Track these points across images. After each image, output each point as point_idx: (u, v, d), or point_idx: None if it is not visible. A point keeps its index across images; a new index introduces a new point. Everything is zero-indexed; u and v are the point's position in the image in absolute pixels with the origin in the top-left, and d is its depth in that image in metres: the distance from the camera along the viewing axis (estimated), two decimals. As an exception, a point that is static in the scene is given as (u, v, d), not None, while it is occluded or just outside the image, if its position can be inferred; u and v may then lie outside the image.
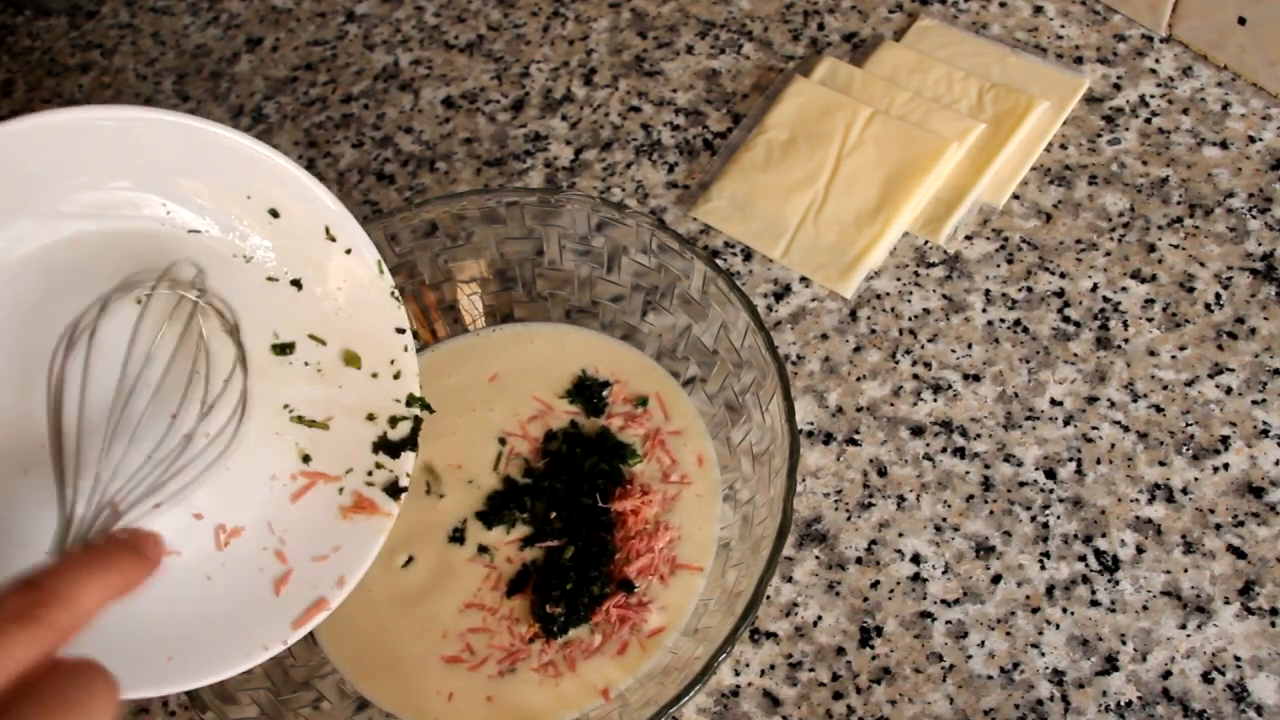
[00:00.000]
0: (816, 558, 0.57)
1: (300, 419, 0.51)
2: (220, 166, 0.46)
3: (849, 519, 0.58)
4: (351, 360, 0.51)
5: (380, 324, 0.51)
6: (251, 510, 0.49)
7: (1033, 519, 0.57)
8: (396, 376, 0.52)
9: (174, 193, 0.46)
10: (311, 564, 0.49)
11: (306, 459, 0.51)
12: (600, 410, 0.61)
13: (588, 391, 0.61)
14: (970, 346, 0.62)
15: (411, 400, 0.52)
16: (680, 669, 0.51)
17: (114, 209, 0.45)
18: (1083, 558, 0.55)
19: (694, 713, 0.54)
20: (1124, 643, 0.53)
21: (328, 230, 0.49)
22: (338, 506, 0.51)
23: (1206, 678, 0.52)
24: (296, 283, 0.50)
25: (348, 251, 0.50)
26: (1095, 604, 0.54)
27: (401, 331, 0.52)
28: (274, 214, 0.48)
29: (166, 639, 0.46)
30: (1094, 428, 0.59)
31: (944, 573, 0.56)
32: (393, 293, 0.51)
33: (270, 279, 0.49)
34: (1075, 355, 0.61)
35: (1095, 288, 0.63)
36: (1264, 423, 0.58)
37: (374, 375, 0.51)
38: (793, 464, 0.50)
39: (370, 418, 0.52)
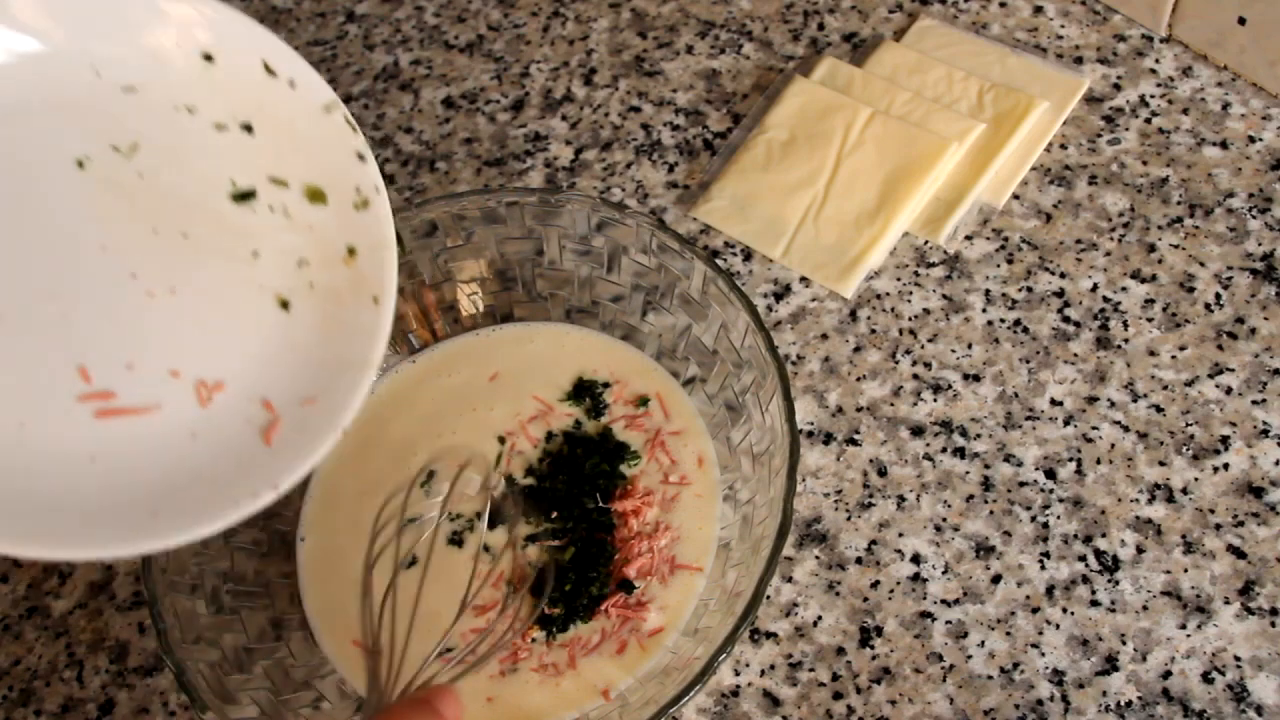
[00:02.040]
0: (816, 558, 0.57)
1: (273, 265, 0.48)
2: (141, 13, 0.44)
3: (849, 519, 0.58)
4: (316, 196, 0.48)
5: (341, 157, 0.48)
6: (232, 362, 0.47)
7: (1033, 519, 0.57)
8: (365, 205, 0.48)
9: (100, 50, 0.44)
10: (300, 408, 0.46)
11: (285, 305, 0.48)
12: (600, 412, 0.61)
13: (588, 393, 0.61)
14: (970, 346, 0.62)
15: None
16: (680, 669, 0.51)
17: (37, 73, 0.43)
18: (1083, 558, 0.55)
19: (694, 713, 0.54)
20: (1124, 643, 0.53)
21: (266, 65, 0.46)
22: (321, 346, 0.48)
23: (1206, 678, 0.52)
24: (247, 126, 0.47)
25: (291, 85, 0.47)
26: (1095, 604, 0.54)
27: (363, 158, 0.47)
28: (208, 58, 0.46)
29: (151, 496, 0.43)
30: (1094, 428, 0.59)
31: (944, 573, 0.56)
32: (347, 119, 0.47)
33: (219, 126, 0.47)
34: (1075, 355, 0.61)
35: (1095, 288, 0.63)
36: (1264, 423, 0.58)
37: (345, 209, 0.48)
38: (793, 464, 0.50)
39: (351, 251, 0.48)
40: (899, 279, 0.65)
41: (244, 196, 0.48)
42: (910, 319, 0.63)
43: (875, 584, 0.56)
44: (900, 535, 0.57)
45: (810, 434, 0.60)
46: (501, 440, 0.60)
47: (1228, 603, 0.53)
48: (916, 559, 0.56)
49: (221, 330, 0.47)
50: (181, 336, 0.46)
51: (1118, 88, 0.69)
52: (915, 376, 0.61)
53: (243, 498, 0.44)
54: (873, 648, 0.55)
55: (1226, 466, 0.57)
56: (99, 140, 0.45)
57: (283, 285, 0.48)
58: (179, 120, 0.47)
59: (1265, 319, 0.60)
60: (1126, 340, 0.61)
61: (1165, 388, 0.59)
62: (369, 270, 0.48)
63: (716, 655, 0.47)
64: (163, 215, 0.46)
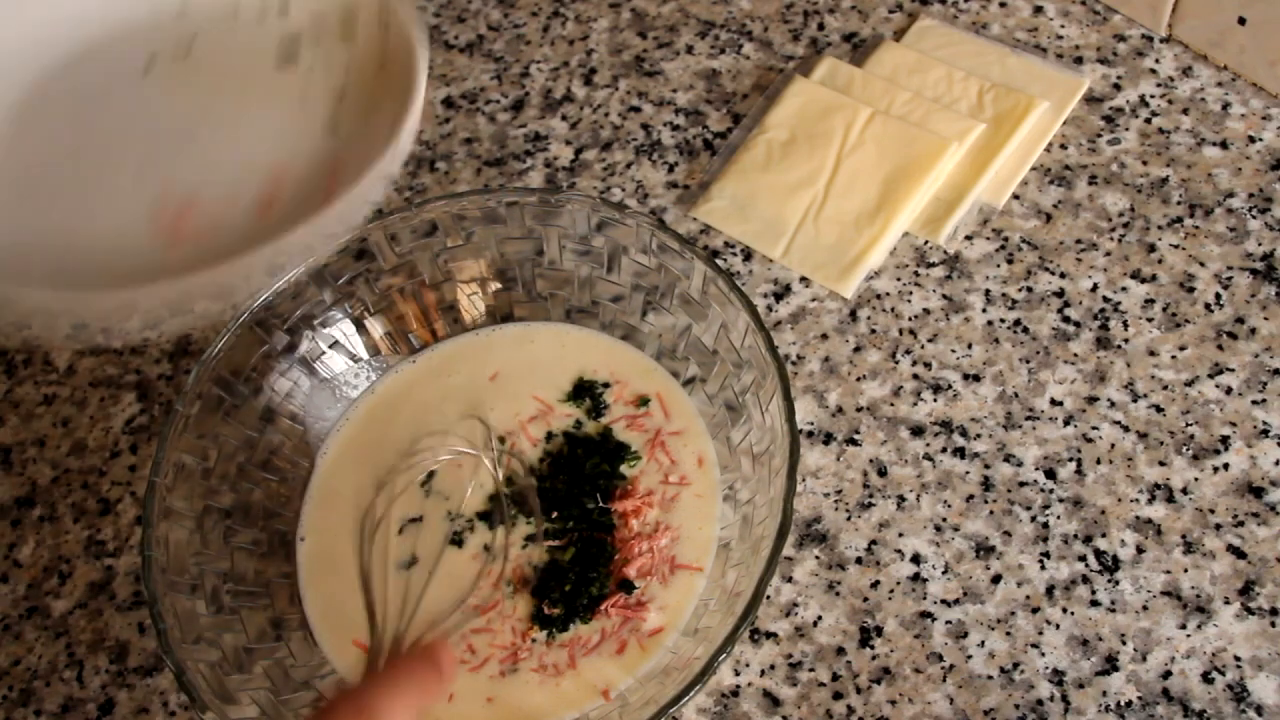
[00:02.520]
0: (816, 558, 0.57)
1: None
2: None
3: (849, 519, 0.58)
4: (348, 37, 0.52)
5: (370, 12, 0.52)
6: (286, 184, 0.51)
7: (1033, 519, 0.57)
8: (387, 26, 0.52)
9: None
10: (325, 204, 0.50)
11: (334, 130, 0.51)
12: (600, 412, 0.61)
13: (588, 393, 0.61)
14: (970, 346, 0.62)
15: None
16: (680, 669, 0.51)
17: None
18: (1083, 558, 0.55)
19: (694, 713, 0.54)
20: (1124, 643, 0.53)
21: None
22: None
23: (1206, 678, 0.52)
24: (283, 10, 0.52)
25: None
26: (1095, 604, 0.54)
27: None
28: None
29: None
30: (1094, 428, 0.59)
31: (944, 573, 0.56)
32: None
33: (259, 16, 0.52)
34: (1075, 355, 0.61)
35: (1095, 288, 0.63)
36: (1264, 423, 0.58)
37: (372, 35, 0.52)
38: (793, 464, 0.50)
39: (383, 65, 0.52)
40: (899, 279, 0.65)
41: (286, 60, 0.53)
42: (910, 319, 0.63)
43: (875, 584, 0.56)
44: (900, 535, 0.57)
45: (810, 434, 0.60)
46: (501, 440, 0.60)
47: (1228, 603, 0.53)
48: (916, 559, 0.56)
49: (276, 156, 0.52)
50: (240, 163, 0.51)
51: (1118, 88, 0.69)
52: (915, 376, 0.61)
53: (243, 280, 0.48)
54: (873, 648, 0.55)
55: (1226, 466, 0.57)
56: (161, 49, 0.52)
57: (328, 116, 0.52)
58: (226, 21, 0.53)
59: (1265, 319, 0.60)
60: (1126, 340, 0.61)
61: (1165, 388, 0.59)
62: (399, 74, 0.52)
63: (716, 655, 0.47)
64: (219, 87, 0.53)
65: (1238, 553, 0.55)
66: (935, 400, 0.61)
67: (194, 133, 0.52)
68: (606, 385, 0.61)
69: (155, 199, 0.49)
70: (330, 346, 0.62)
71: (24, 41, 0.51)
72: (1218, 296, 0.61)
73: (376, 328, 0.63)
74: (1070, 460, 0.58)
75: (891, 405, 0.61)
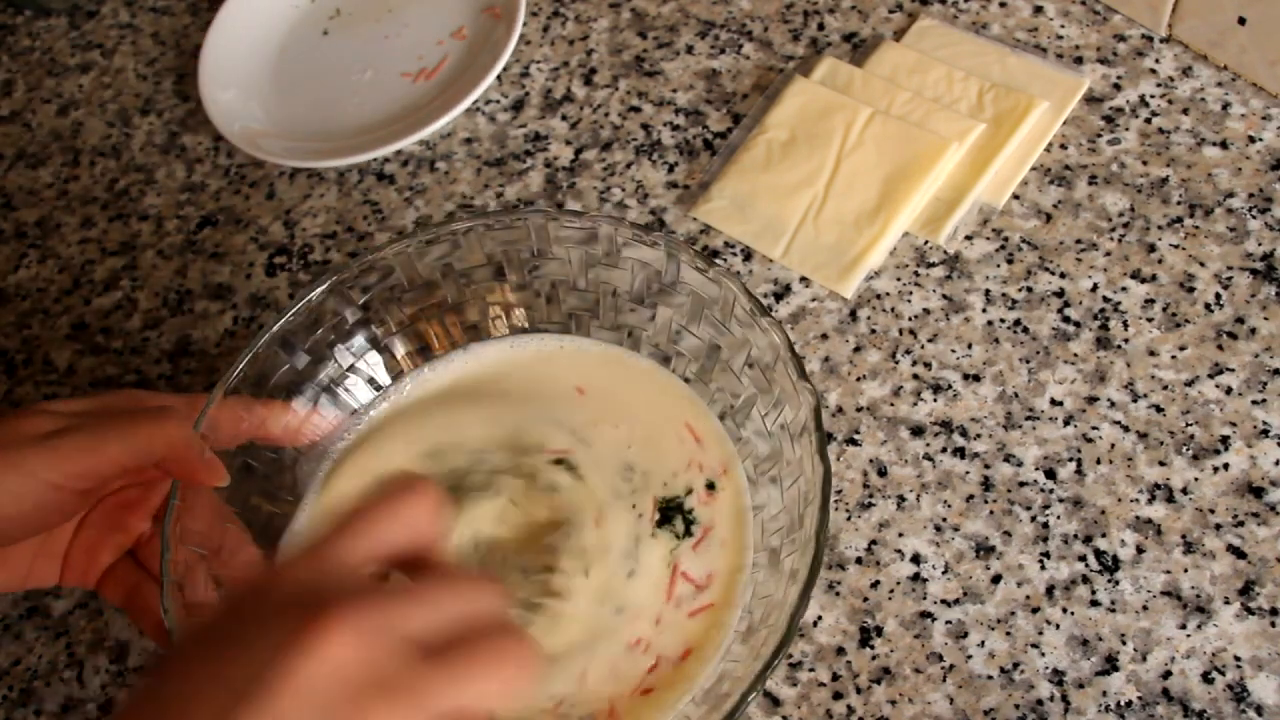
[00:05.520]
0: (816, 558, 0.57)
1: None
2: None
3: (849, 519, 0.58)
4: None
5: None
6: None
7: (1033, 519, 0.57)
8: None
9: None
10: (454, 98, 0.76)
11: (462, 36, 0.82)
12: (691, 530, 0.55)
13: (677, 514, 0.56)
14: (970, 346, 0.62)
15: None
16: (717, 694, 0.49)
17: None
18: (1083, 558, 0.55)
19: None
20: (1124, 643, 0.53)
21: None
22: None
23: (1206, 678, 0.52)
24: None
25: None
26: (1095, 604, 0.54)
27: None
28: None
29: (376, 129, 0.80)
30: (1094, 428, 0.59)
31: (944, 573, 0.56)
32: None
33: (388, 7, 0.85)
34: (1075, 355, 0.61)
35: (1095, 288, 0.63)
36: (1264, 423, 0.58)
37: None
38: (826, 488, 0.49)
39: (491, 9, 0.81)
40: (899, 279, 0.65)
41: None
42: (910, 319, 0.63)
43: (875, 584, 0.56)
44: (900, 535, 0.57)
45: (810, 434, 0.60)
46: (524, 453, 0.57)
47: (1228, 603, 0.53)
48: (916, 559, 0.57)
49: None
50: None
51: (1118, 88, 0.69)
52: (915, 376, 0.61)
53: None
54: (873, 648, 0.55)
55: (1226, 466, 0.57)
56: (326, 15, 0.84)
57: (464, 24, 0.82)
58: None
59: (1265, 319, 0.60)
60: (1126, 340, 0.61)
61: (1165, 388, 0.59)
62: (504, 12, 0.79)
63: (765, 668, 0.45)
64: (372, 32, 0.82)
65: (1238, 553, 0.55)
66: (935, 400, 0.61)
67: (363, 69, 0.81)
68: (689, 492, 0.55)
69: (398, 72, 0.79)
70: (349, 368, 0.60)
71: (275, 19, 0.84)
72: (1218, 296, 0.61)
73: (397, 349, 0.61)
74: (1070, 460, 0.58)
75: (891, 405, 0.61)
